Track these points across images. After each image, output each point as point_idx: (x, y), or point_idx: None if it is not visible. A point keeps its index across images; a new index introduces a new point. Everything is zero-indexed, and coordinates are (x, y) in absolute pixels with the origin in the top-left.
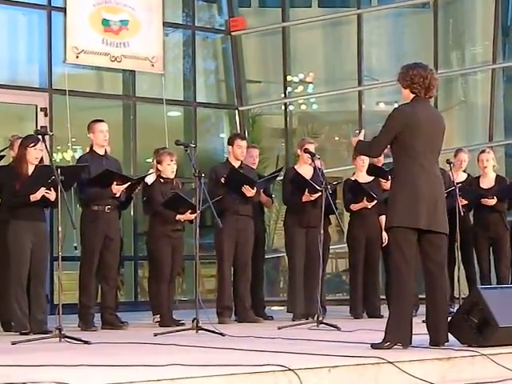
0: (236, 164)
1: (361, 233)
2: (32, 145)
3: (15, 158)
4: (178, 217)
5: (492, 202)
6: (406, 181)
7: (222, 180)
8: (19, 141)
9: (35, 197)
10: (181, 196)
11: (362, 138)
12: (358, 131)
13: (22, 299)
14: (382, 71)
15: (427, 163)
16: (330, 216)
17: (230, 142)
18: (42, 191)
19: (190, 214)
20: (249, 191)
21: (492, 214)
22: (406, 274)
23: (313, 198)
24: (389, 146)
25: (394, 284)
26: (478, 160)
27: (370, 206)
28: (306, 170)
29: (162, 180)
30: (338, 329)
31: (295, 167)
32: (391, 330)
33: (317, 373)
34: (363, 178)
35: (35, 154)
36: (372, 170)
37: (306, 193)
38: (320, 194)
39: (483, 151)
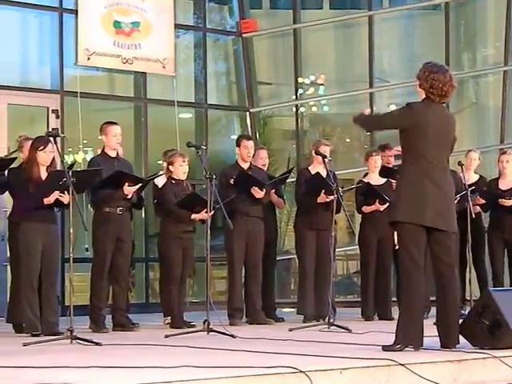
0: (245, 166)
1: (372, 234)
2: (42, 148)
3: (26, 160)
4: (194, 216)
5: (509, 202)
6: (413, 179)
7: (231, 181)
8: (27, 142)
9: (49, 200)
10: (197, 195)
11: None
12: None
13: (34, 301)
14: (393, 73)
15: (435, 163)
16: (340, 217)
17: (237, 144)
18: (55, 195)
19: (205, 212)
20: (258, 193)
21: (508, 215)
22: (414, 275)
23: (328, 200)
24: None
25: (403, 285)
26: (499, 161)
27: (381, 209)
28: (319, 172)
29: (173, 181)
30: (349, 331)
31: (308, 168)
32: (402, 331)
33: (328, 375)
34: (376, 179)
35: (45, 157)
36: (383, 171)
37: (323, 194)
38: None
39: (504, 152)
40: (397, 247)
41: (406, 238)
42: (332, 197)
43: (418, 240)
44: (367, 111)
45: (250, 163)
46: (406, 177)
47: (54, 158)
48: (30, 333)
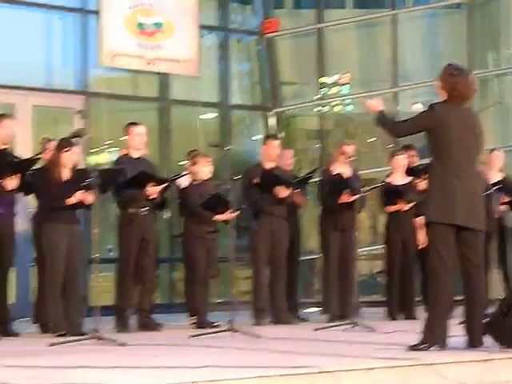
0: (270, 166)
1: (397, 234)
2: (67, 149)
3: (49, 161)
4: (216, 217)
5: None
6: (441, 179)
7: (255, 181)
8: (50, 143)
9: (71, 201)
10: (221, 196)
11: (381, 106)
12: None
13: (59, 301)
14: (417, 72)
15: (462, 163)
16: (364, 217)
17: (264, 143)
18: (78, 195)
19: (230, 214)
20: (282, 192)
21: None
22: (442, 275)
23: (351, 200)
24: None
25: (431, 285)
26: None
27: (405, 208)
28: (341, 172)
29: (197, 182)
30: (374, 330)
31: (331, 169)
32: (428, 331)
33: (353, 375)
34: (399, 179)
35: (70, 159)
36: (407, 170)
37: (345, 194)
38: (359, 195)
39: None
40: (420, 247)
41: (436, 237)
42: (354, 197)
43: (447, 240)
44: (380, 103)
45: (275, 163)
46: (435, 177)
47: (77, 161)
48: (55, 333)
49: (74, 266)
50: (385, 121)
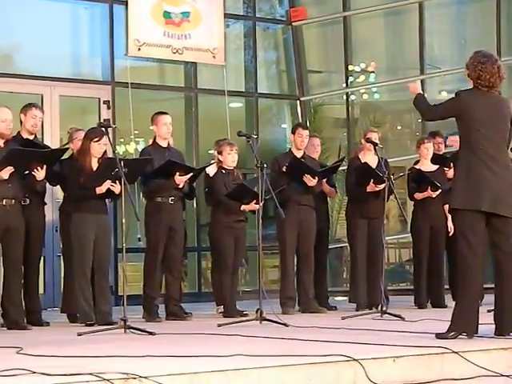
0: (298, 154)
1: (425, 222)
2: (97, 139)
3: (79, 150)
4: (243, 207)
5: None
6: (468, 166)
7: (284, 169)
8: (78, 133)
9: (101, 190)
10: (246, 186)
11: (419, 89)
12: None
13: (87, 291)
14: (444, 59)
15: (490, 150)
16: (392, 205)
17: (293, 131)
18: (107, 184)
19: (255, 204)
20: (310, 181)
21: None
22: (471, 263)
23: (378, 189)
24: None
25: (460, 272)
26: None
27: (434, 196)
28: (369, 160)
29: (223, 171)
30: (402, 319)
31: (359, 157)
32: (456, 319)
33: (381, 363)
34: (427, 166)
35: (99, 148)
36: (434, 158)
37: (372, 183)
38: (385, 184)
39: None
40: (450, 234)
41: (464, 225)
42: (381, 186)
43: (476, 227)
44: (418, 85)
45: (304, 152)
46: (462, 164)
47: (105, 151)
48: (84, 323)
49: (102, 255)
50: (421, 102)
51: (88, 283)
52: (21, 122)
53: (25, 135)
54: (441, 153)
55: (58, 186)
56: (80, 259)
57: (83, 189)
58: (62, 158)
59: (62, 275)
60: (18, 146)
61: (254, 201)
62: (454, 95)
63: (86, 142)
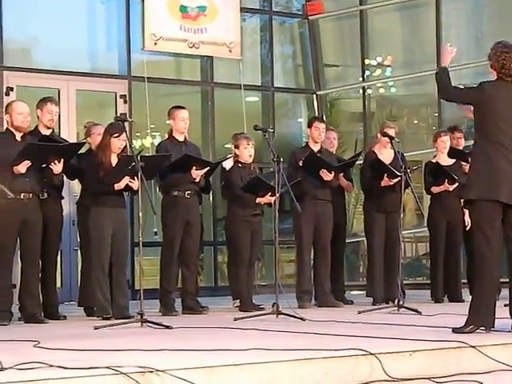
0: (315, 147)
1: (442, 216)
2: (117, 135)
3: (98, 145)
4: (259, 200)
5: None
6: (485, 157)
7: (300, 163)
8: (95, 127)
9: (119, 186)
10: (261, 179)
11: (449, 61)
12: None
13: (104, 285)
14: (462, 53)
15: (507, 144)
16: (409, 199)
17: (309, 125)
18: (125, 180)
19: (270, 196)
20: (326, 175)
21: None
22: (488, 257)
23: (391, 183)
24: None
25: (476, 266)
26: None
27: (451, 189)
28: (386, 154)
29: (239, 165)
30: (419, 313)
31: (375, 151)
32: (474, 313)
33: (398, 357)
34: (444, 160)
35: (118, 144)
36: (452, 152)
37: (385, 178)
38: (399, 178)
39: None
40: (467, 228)
41: (481, 217)
42: (395, 180)
43: (493, 219)
44: (451, 57)
45: (321, 146)
46: (479, 155)
47: (125, 146)
48: (100, 316)
49: (119, 249)
50: (443, 78)
51: (105, 277)
52: (38, 117)
53: (42, 130)
54: (460, 147)
55: (76, 180)
56: (98, 253)
57: (102, 184)
58: (80, 152)
59: (80, 269)
60: (36, 141)
61: (270, 193)
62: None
63: (106, 138)
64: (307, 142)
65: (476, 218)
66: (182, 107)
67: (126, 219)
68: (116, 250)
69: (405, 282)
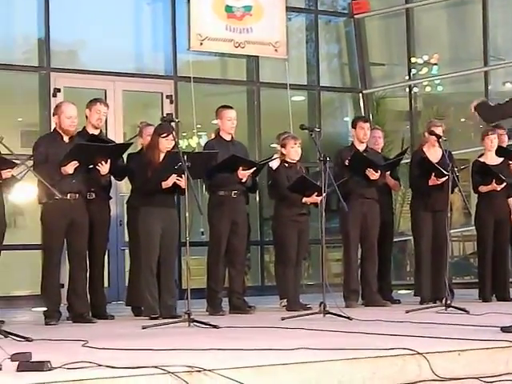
0: (361, 147)
1: (489, 215)
2: (165, 135)
3: (148, 145)
4: (305, 199)
5: None
6: None
7: (346, 163)
8: (148, 128)
9: (167, 184)
10: (307, 178)
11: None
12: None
13: (152, 284)
14: (508, 51)
15: None
16: (456, 198)
17: (353, 125)
18: (173, 178)
19: (317, 196)
20: (372, 174)
21: None
22: None
23: (439, 182)
24: None
25: None
26: None
27: (498, 189)
28: (433, 153)
29: (286, 164)
30: (467, 312)
31: (423, 149)
32: None
33: (446, 356)
34: (492, 159)
35: (167, 144)
36: (500, 150)
37: (433, 177)
38: (447, 177)
39: None
40: None
41: None
42: (443, 179)
43: None
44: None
45: (366, 145)
46: None
47: (174, 146)
48: (148, 316)
49: (168, 249)
50: (480, 108)
51: (154, 277)
52: (86, 117)
53: (90, 130)
54: (504, 145)
55: (123, 181)
56: (146, 253)
57: (150, 183)
58: (131, 152)
59: (128, 269)
60: (84, 141)
61: (316, 193)
62: None
63: (155, 137)
64: (352, 142)
65: None
66: (230, 107)
67: (175, 219)
68: (164, 250)
69: (452, 281)
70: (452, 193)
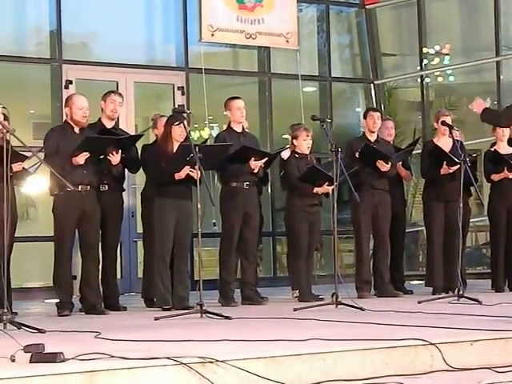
0: (372, 138)
1: (501, 205)
2: (178, 123)
3: (161, 136)
4: (316, 189)
5: None
6: None
7: (357, 154)
8: (162, 119)
9: (180, 176)
10: (317, 168)
11: (487, 105)
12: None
13: (165, 276)
14: None
15: None
16: (470, 188)
17: (364, 116)
18: (186, 170)
19: (327, 186)
20: (383, 166)
21: None
22: None
23: (451, 171)
24: None
25: None
26: None
27: (511, 176)
28: (444, 143)
29: (297, 155)
30: (480, 302)
31: (434, 140)
32: None
33: (459, 347)
34: (504, 148)
35: (180, 132)
36: (509, 140)
37: (445, 165)
38: (459, 166)
39: None
40: None
41: None
42: (455, 167)
43: None
44: (487, 103)
45: (377, 135)
46: None
47: (187, 136)
48: (160, 307)
49: (182, 240)
50: (489, 118)
51: (167, 268)
52: (102, 110)
53: (105, 121)
54: None
55: (137, 173)
56: (160, 244)
57: (163, 174)
58: (145, 143)
59: (140, 260)
60: (94, 133)
61: (327, 183)
62: None
63: (168, 128)
64: (363, 132)
65: None
66: (238, 97)
67: (190, 211)
68: (178, 241)
69: (465, 271)
70: (466, 183)
